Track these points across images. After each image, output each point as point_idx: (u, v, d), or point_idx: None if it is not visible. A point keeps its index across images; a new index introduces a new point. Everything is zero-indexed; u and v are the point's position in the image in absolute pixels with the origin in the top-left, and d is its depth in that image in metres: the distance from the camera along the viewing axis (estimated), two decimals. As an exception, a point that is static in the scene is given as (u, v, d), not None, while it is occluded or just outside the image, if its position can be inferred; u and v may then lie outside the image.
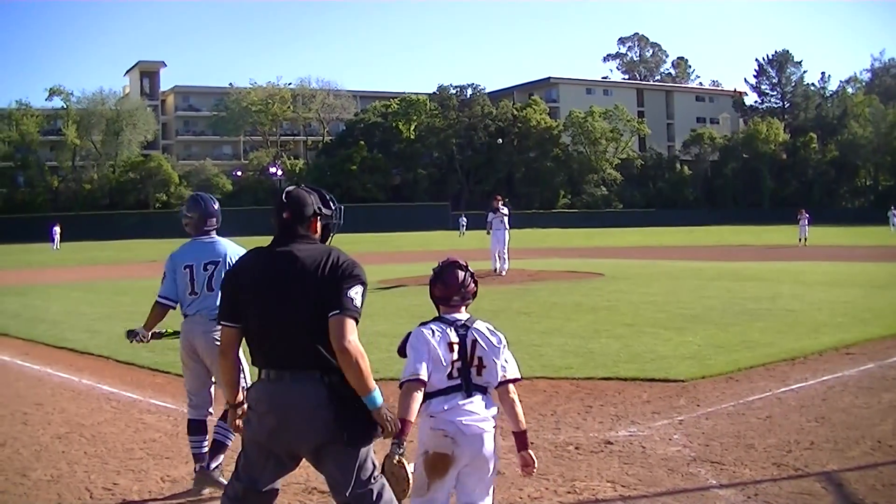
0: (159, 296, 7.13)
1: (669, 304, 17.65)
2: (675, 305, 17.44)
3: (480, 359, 5.07)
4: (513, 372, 5.23)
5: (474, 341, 5.08)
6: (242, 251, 6.69)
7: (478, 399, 5.02)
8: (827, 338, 12.87)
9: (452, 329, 5.07)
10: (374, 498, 4.40)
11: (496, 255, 27.35)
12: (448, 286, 5.27)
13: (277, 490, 4.63)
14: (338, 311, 4.30)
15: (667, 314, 16.08)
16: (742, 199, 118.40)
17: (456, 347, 5.02)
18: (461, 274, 5.28)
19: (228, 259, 6.78)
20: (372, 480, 4.42)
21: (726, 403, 9.08)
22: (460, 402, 4.87)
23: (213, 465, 6.70)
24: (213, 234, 7.07)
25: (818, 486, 6.35)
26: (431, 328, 5.02)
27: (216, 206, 7.16)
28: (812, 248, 43.27)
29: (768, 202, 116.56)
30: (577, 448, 7.60)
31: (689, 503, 6.14)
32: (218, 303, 6.61)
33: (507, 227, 27.57)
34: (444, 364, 4.83)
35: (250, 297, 4.49)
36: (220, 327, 6.61)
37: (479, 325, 5.19)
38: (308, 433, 4.35)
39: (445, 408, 4.79)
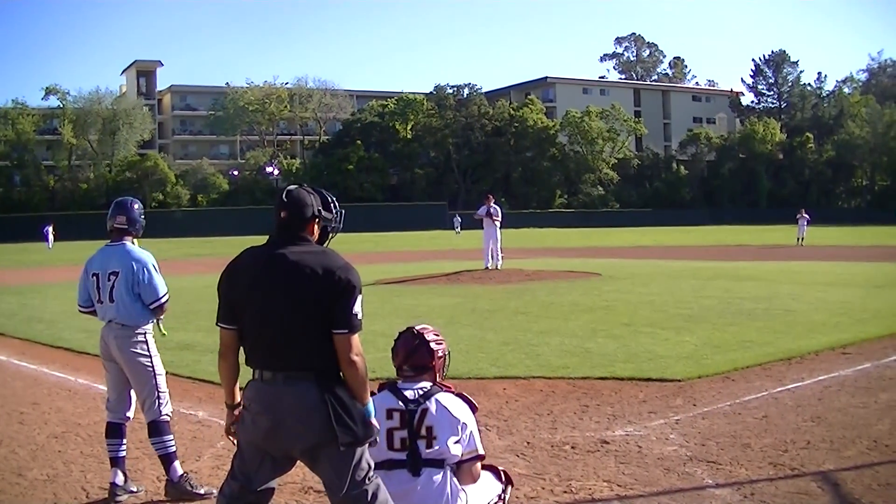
0: (78, 304, 7.09)
1: (666, 304, 17.66)
2: (673, 305, 17.45)
3: (430, 428, 4.95)
4: (476, 448, 5.13)
5: (425, 409, 4.97)
6: (145, 257, 6.74)
7: (428, 477, 4.89)
8: (824, 337, 12.88)
9: (396, 397, 5.00)
10: (370, 498, 4.39)
11: (489, 253, 27.40)
12: (396, 355, 5.24)
13: (273, 489, 4.63)
14: (346, 331, 4.35)
15: (664, 314, 16.09)
16: (739, 198, 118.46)
17: (397, 415, 4.93)
18: (413, 342, 5.22)
19: (128, 270, 6.69)
20: (367, 481, 4.41)
21: (723, 403, 9.08)
22: (405, 488, 4.75)
23: (175, 477, 6.67)
24: (125, 238, 6.89)
25: (814, 486, 6.35)
26: (376, 393, 4.97)
27: (130, 207, 6.97)
28: (809, 248, 43.33)
29: (765, 202, 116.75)
30: (573, 447, 7.60)
31: (686, 503, 6.13)
32: (125, 310, 6.67)
33: (499, 224, 27.61)
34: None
35: (244, 298, 4.48)
36: (133, 334, 6.66)
37: (443, 397, 5.09)
38: (302, 434, 4.34)
39: (391, 491, 4.60)
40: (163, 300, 6.77)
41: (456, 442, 5.03)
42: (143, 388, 6.75)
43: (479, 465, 5.23)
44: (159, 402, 6.74)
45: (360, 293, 4.44)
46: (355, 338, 4.39)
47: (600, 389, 9.88)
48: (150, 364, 6.75)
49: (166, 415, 6.79)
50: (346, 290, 4.37)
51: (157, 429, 6.72)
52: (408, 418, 4.98)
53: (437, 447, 4.95)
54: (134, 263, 6.71)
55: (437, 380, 5.26)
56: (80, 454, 7.89)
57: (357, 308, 4.39)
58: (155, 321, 6.92)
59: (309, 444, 4.37)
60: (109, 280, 6.73)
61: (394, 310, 17.33)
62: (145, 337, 6.76)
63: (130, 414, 6.95)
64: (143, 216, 7.06)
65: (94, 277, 6.82)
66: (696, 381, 10.12)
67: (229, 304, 4.56)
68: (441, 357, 5.31)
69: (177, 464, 6.69)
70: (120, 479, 6.65)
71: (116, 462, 6.74)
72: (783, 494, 6.17)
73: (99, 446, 8.06)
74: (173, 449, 6.73)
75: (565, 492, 6.41)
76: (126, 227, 6.90)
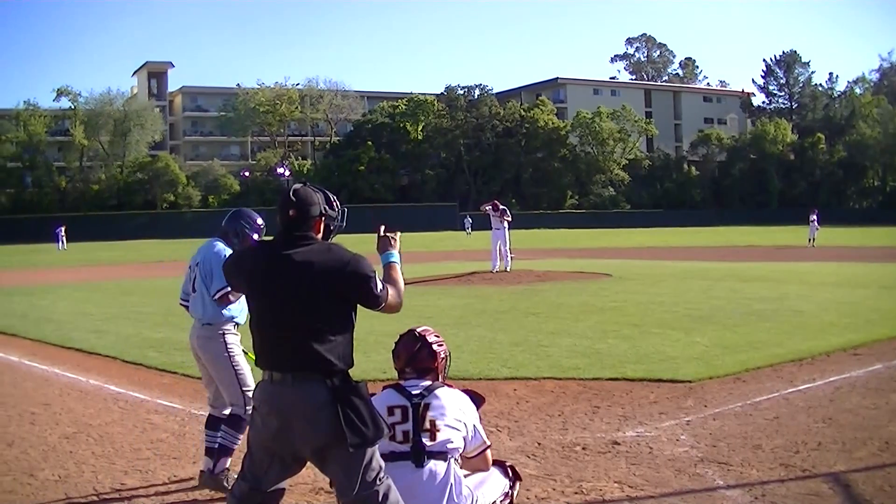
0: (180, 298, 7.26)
1: (677, 305, 17.63)
2: (683, 306, 17.42)
3: (433, 422, 5.00)
4: (483, 441, 5.24)
5: (427, 404, 5.02)
6: (224, 250, 6.73)
7: (432, 469, 4.93)
8: (834, 338, 12.84)
9: (400, 394, 5.06)
10: (380, 499, 4.39)
11: (497, 253, 27.35)
12: (398, 357, 5.32)
13: (283, 490, 4.64)
14: (381, 306, 4.58)
15: (674, 315, 16.06)
16: (749, 199, 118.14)
17: (399, 411, 4.97)
18: (415, 346, 5.26)
19: (205, 259, 6.79)
20: (378, 481, 4.41)
21: (733, 404, 9.07)
22: (409, 480, 4.77)
23: (218, 470, 6.71)
24: (218, 236, 6.98)
25: (825, 487, 6.34)
26: (379, 393, 5.03)
27: (235, 217, 7.01)
28: (819, 248, 43.19)
29: (776, 203, 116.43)
30: (584, 448, 7.59)
31: (696, 504, 6.13)
32: (201, 302, 6.73)
33: (507, 225, 27.50)
34: None
35: (249, 295, 4.54)
36: (214, 333, 6.68)
37: (444, 391, 5.14)
38: (310, 435, 4.35)
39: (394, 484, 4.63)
40: (222, 291, 6.63)
41: (460, 436, 5.07)
42: (229, 387, 6.79)
43: (489, 452, 5.32)
44: (245, 401, 6.71)
45: (374, 273, 4.50)
46: (391, 294, 4.60)
47: (611, 390, 9.87)
48: (230, 363, 6.76)
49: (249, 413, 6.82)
50: (359, 280, 4.43)
51: (234, 422, 6.76)
52: (411, 413, 5.01)
53: (440, 440, 4.98)
54: (212, 255, 6.77)
55: (440, 380, 5.29)
56: (91, 454, 7.90)
57: (378, 289, 4.49)
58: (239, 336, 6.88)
59: (318, 445, 4.37)
60: (193, 270, 6.90)
61: (404, 310, 17.25)
62: (223, 337, 6.77)
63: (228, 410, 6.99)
64: (249, 229, 6.93)
65: (189, 268, 7.00)
66: (706, 382, 10.10)
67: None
68: (443, 358, 5.35)
69: (227, 460, 6.73)
70: (210, 467, 6.77)
71: (209, 452, 6.83)
72: (794, 496, 6.16)
73: (110, 447, 8.10)
74: (235, 447, 6.75)
75: (576, 493, 6.40)
76: (223, 228, 6.97)
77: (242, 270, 4.60)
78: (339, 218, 4.80)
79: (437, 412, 5.02)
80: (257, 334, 4.52)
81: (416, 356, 5.26)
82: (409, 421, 5.00)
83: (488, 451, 5.31)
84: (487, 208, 28.25)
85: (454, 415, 5.06)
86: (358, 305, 4.52)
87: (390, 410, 4.94)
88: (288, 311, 4.38)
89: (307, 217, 4.53)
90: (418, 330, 5.41)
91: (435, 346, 5.31)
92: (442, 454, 4.98)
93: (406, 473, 4.78)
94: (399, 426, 4.97)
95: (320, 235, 4.64)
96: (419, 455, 4.94)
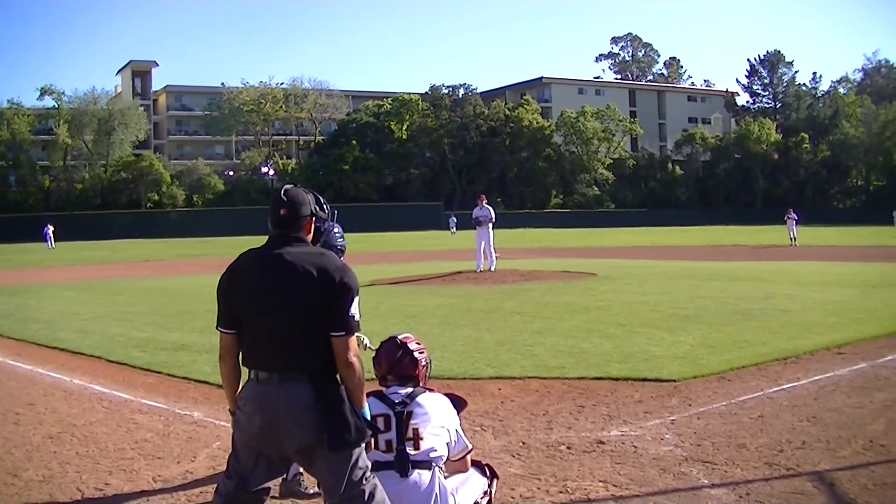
0: None
1: (662, 304, 17.64)
2: (668, 305, 17.43)
3: (416, 430, 4.99)
4: (466, 446, 5.24)
5: (410, 412, 5.01)
6: None
7: (416, 478, 4.92)
8: (819, 337, 12.87)
9: (383, 403, 5.04)
10: (366, 498, 4.40)
11: (481, 253, 27.23)
12: (379, 365, 5.30)
13: (269, 489, 4.65)
14: (343, 333, 4.37)
15: (660, 314, 16.06)
16: (734, 198, 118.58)
17: (381, 420, 4.95)
18: (397, 353, 5.26)
19: None
20: (364, 481, 4.42)
21: (718, 403, 9.08)
22: (394, 490, 4.75)
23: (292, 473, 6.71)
24: None
25: (810, 486, 6.36)
26: None
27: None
28: (805, 248, 43.37)
29: (760, 202, 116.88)
30: (568, 448, 7.59)
31: (681, 503, 6.14)
32: None
33: (492, 224, 27.31)
34: None
35: (243, 300, 4.49)
36: None
37: (426, 398, 5.14)
38: (295, 435, 4.35)
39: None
40: None
41: (444, 442, 5.07)
42: None
43: (469, 457, 5.33)
44: None
45: (357, 295, 4.46)
46: (353, 339, 4.41)
47: (596, 390, 9.87)
48: None
49: None
50: (343, 291, 4.38)
51: None
52: (394, 421, 5.00)
53: (423, 448, 4.98)
54: None
55: (421, 386, 5.30)
56: (75, 455, 7.86)
57: (354, 310, 4.41)
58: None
59: (303, 445, 4.37)
60: None
61: (389, 310, 17.33)
62: None
63: None
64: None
65: None
66: (691, 381, 10.11)
67: (229, 307, 4.55)
68: (424, 366, 5.36)
69: None
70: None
71: None
72: (779, 494, 6.18)
73: (94, 446, 8.07)
74: None
75: (561, 492, 6.41)
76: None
77: (238, 281, 4.53)
78: (329, 217, 4.82)
79: (420, 420, 5.01)
80: (246, 333, 4.50)
81: (398, 364, 5.26)
82: (393, 430, 4.99)
83: (468, 456, 5.32)
84: (477, 211, 27.90)
85: (437, 421, 5.05)
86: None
87: (373, 419, 4.93)
88: (277, 311, 4.38)
89: (298, 216, 4.54)
90: (400, 337, 5.41)
91: (416, 354, 5.32)
92: (426, 463, 4.97)
93: (391, 483, 4.76)
94: (382, 435, 4.96)
95: (311, 237, 4.65)
96: (404, 465, 4.92)
